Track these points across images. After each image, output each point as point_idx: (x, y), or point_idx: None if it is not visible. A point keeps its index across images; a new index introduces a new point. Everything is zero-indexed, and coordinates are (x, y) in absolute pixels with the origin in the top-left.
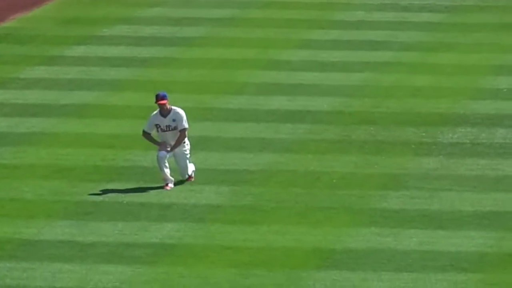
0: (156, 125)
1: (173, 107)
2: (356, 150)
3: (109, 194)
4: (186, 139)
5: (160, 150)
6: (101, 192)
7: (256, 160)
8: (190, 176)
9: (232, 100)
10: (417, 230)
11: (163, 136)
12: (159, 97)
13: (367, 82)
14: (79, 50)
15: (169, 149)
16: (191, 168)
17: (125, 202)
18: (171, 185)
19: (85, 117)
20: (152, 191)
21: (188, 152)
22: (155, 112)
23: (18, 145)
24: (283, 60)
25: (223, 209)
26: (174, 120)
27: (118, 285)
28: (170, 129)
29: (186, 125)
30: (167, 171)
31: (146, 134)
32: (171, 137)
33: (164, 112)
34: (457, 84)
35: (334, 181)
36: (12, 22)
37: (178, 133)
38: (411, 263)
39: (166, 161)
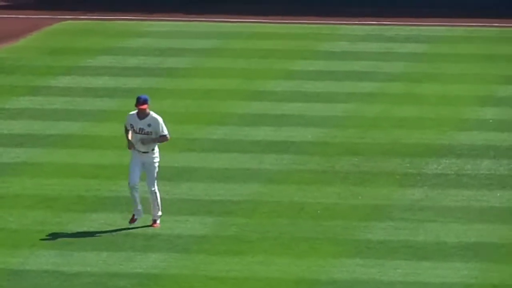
0: (131, 124)
1: (151, 113)
2: (340, 181)
3: (94, 224)
4: (156, 151)
5: (131, 175)
6: (85, 222)
7: (240, 190)
8: (155, 221)
9: (216, 131)
10: (402, 261)
11: (134, 138)
12: (140, 101)
13: (352, 112)
14: (64, 81)
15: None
16: (158, 210)
17: (110, 231)
18: (137, 218)
19: (70, 147)
20: (137, 221)
21: (157, 162)
22: (132, 112)
23: (2, 175)
24: (267, 90)
25: (207, 239)
26: (149, 125)
27: None
28: (143, 132)
29: (165, 131)
30: (137, 201)
31: (125, 130)
32: (140, 140)
33: (141, 115)
34: (442, 114)
35: (318, 211)
36: None
37: (153, 138)
38: None
39: (137, 187)
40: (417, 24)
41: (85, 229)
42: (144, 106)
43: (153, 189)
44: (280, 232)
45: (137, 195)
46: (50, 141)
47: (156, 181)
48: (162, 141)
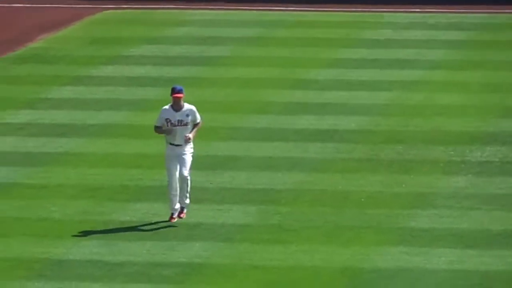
0: (167, 119)
1: (186, 104)
2: (384, 169)
3: (137, 214)
4: (191, 143)
5: (171, 179)
6: (128, 212)
7: (284, 179)
8: (182, 209)
9: (259, 120)
10: (446, 249)
11: (172, 131)
12: (175, 90)
13: (395, 100)
14: (106, 70)
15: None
16: (187, 197)
17: (153, 221)
18: (175, 217)
19: (112, 136)
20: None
21: (192, 153)
22: (166, 107)
23: (45, 165)
24: (310, 79)
25: (251, 228)
26: (187, 115)
27: None
28: (182, 124)
29: (200, 119)
30: (175, 202)
31: (157, 128)
32: (180, 133)
33: (177, 107)
34: (485, 102)
35: (363, 200)
36: (40, 43)
37: (189, 130)
38: (441, 282)
39: (177, 191)
40: (460, 11)
41: (128, 218)
42: (181, 95)
43: (186, 175)
44: (324, 220)
45: (176, 195)
46: (93, 130)
47: (189, 169)
48: (199, 128)
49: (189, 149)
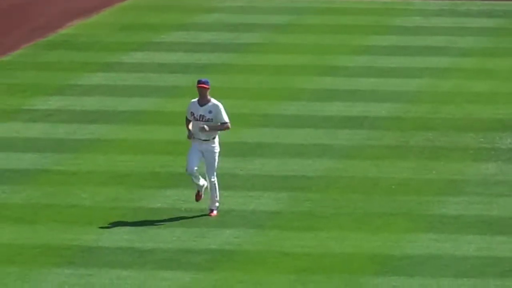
0: (191, 112)
1: (212, 99)
2: (414, 156)
3: (167, 201)
4: (216, 140)
5: (188, 162)
6: (159, 199)
7: (314, 166)
8: (212, 211)
9: (289, 106)
10: (476, 236)
11: (194, 126)
12: (201, 81)
13: (425, 88)
14: (137, 57)
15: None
16: (216, 201)
17: (183, 208)
18: (202, 193)
19: (143, 123)
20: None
21: (217, 152)
22: (193, 100)
23: (76, 152)
24: (340, 66)
25: (281, 215)
26: (210, 112)
27: None
28: (203, 119)
29: (226, 119)
30: (199, 181)
31: (186, 120)
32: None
33: (202, 101)
34: None
35: (393, 187)
36: (70, 29)
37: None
38: (470, 269)
39: (196, 174)
40: None
41: (158, 205)
42: (205, 86)
43: (212, 179)
44: (354, 207)
45: (197, 179)
46: (123, 117)
47: (215, 172)
48: (223, 129)
49: (213, 147)
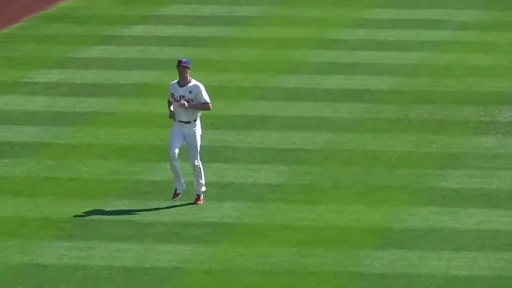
0: (171, 94)
1: (192, 80)
2: (414, 129)
3: (168, 174)
4: (197, 123)
5: (170, 145)
6: (159, 172)
7: (314, 139)
8: (199, 197)
9: (289, 79)
10: (476, 209)
11: (175, 107)
12: (181, 61)
13: (425, 61)
14: (137, 30)
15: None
16: (202, 185)
17: (183, 181)
18: (179, 192)
19: (143, 96)
20: (210, 170)
21: (199, 136)
22: (173, 82)
23: (76, 125)
24: (340, 39)
25: (281, 188)
26: (190, 92)
27: (176, 265)
28: (184, 99)
29: (208, 99)
30: (178, 175)
31: (168, 103)
32: (182, 109)
33: (182, 81)
34: None
35: (393, 160)
36: (70, 2)
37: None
38: (470, 242)
39: (177, 160)
40: None
41: (159, 178)
42: (186, 66)
43: (196, 163)
44: (354, 180)
45: (177, 166)
46: (124, 90)
47: (199, 156)
48: (204, 109)
49: (194, 129)
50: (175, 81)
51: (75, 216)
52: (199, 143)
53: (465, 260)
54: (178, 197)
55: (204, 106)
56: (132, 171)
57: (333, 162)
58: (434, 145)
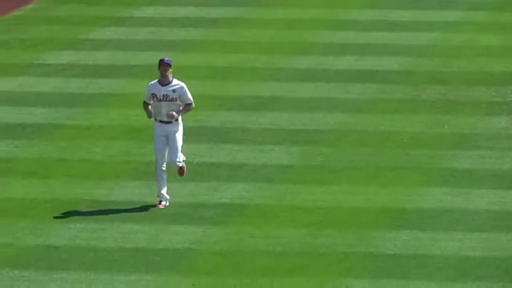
0: (153, 94)
1: (175, 79)
2: (426, 110)
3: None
4: (179, 121)
5: (157, 153)
6: None
7: (326, 120)
8: (182, 168)
9: (301, 60)
10: (488, 190)
11: (157, 107)
12: (163, 60)
13: (437, 41)
14: (149, 11)
15: (164, 119)
16: (181, 156)
17: (194, 162)
18: (164, 203)
19: (154, 77)
20: (221, 152)
21: (181, 133)
22: (153, 82)
23: (88, 106)
24: (352, 19)
25: (293, 169)
26: (174, 91)
27: (188, 246)
28: (167, 99)
29: (191, 98)
30: (163, 184)
31: (145, 104)
32: (165, 108)
33: (164, 80)
34: None
35: (405, 140)
36: None
37: (177, 106)
38: (482, 223)
39: (164, 170)
40: None
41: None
42: (169, 64)
43: (178, 163)
44: (366, 161)
45: (164, 177)
46: (135, 71)
47: (180, 154)
48: (188, 110)
49: (177, 128)
50: (155, 80)
51: (87, 197)
52: (180, 142)
53: (478, 241)
54: (162, 207)
55: (189, 107)
56: (143, 152)
57: (344, 143)
58: (446, 126)
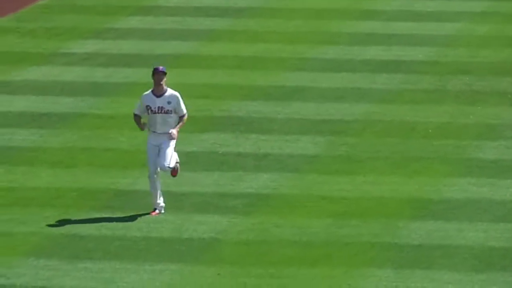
0: (147, 106)
1: (169, 89)
2: (452, 100)
3: (204, 144)
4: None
5: (150, 165)
6: (196, 142)
7: (351, 110)
8: (174, 169)
9: (327, 50)
10: None
11: (152, 119)
12: (158, 69)
13: (462, 31)
14: (174, 0)
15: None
16: (174, 158)
17: (220, 152)
18: (158, 211)
19: (180, 67)
20: (247, 141)
21: (174, 144)
22: (146, 92)
23: (113, 96)
24: (377, 10)
25: (318, 159)
26: (169, 103)
27: (213, 235)
28: (163, 111)
29: (185, 110)
30: (156, 193)
31: (135, 117)
32: (160, 121)
33: (158, 90)
34: None
35: (430, 131)
36: None
37: (172, 118)
38: (508, 213)
39: (157, 179)
40: None
41: (195, 149)
42: (163, 73)
43: (168, 168)
44: (391, 151)
45: (158, 186)
46: (160, 61)
47: (169, 160)
48: (184, 123)
49: (172, 140)
50: (148, 92)
51: (112, 186)
52: (171, 149)
53: (502, 232)
54: (155, 214)
55: (184, 120)
56: None
57: (370, 133)
58: (471, 116)
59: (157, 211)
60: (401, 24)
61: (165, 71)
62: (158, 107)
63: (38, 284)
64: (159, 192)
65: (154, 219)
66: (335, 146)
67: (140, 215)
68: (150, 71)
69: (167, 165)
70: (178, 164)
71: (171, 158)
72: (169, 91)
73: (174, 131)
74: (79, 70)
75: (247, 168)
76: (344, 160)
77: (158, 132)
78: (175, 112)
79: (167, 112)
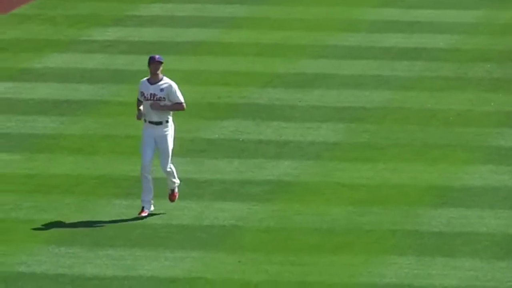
0: (141, 92)
1: (165, 78)
2: (473, 87)
3: (225, 132)
4: (170, 123)
5: (143, 155)
6: (216, 129)
7: (372, 97)
8: (174, 193)
9: (348, 38)
10: None
11: (145, 106)
12: (153, 58)
13: (483, 19)
14: None
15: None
16: (176, 181)
17: (241, 139)
18: (147, 211)
19: (200, 54)
20: (268, 129)
21: (171, 137)
22: (143, 79)
23: (133, 83)
24: None
25: (339, 146)
26: (162, 90)
27: (234, 223)
28: (154, 98)
29: (182, 99)
30: (147, 192)
31: (138, 102)
32: (153, 109)
33: (153, 79)
34: None
35: (451, 118)
36: None
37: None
38: None
39: (149, 173)
40: None
41: (216, 136)
42: (159, 62)
43: (168, 170)
44: (412, 138)
45: (150, 179)
46: (181, 48)
47: (170, 159)
48: (177, 109)
49: (166, 130)
50: (145, 78)
51: (133, 174)
52: (171, 147)
53: None
54: (145, 214)
55: (177, 106)
56: (187, 128)
57: (390, 121)
58: (492, 104)
59: (146, 210)
60: (421, 12)
61: (162, 60)
62: (151, 93)
63: (59, 272)
64: (150, 190)
65: (174, 205)
66: (356, 134)
67: (161, 203)
68: (170, 59)
69: (168, 169)
70: (176, 185)
71: (170, 159)
72: (165, 80)
73: (159, 102)
74: (100, 58)
75: (268, 155)
76: (365, 148)
77: (153, 121)
78: (169, 100)
79: (159, 99)
